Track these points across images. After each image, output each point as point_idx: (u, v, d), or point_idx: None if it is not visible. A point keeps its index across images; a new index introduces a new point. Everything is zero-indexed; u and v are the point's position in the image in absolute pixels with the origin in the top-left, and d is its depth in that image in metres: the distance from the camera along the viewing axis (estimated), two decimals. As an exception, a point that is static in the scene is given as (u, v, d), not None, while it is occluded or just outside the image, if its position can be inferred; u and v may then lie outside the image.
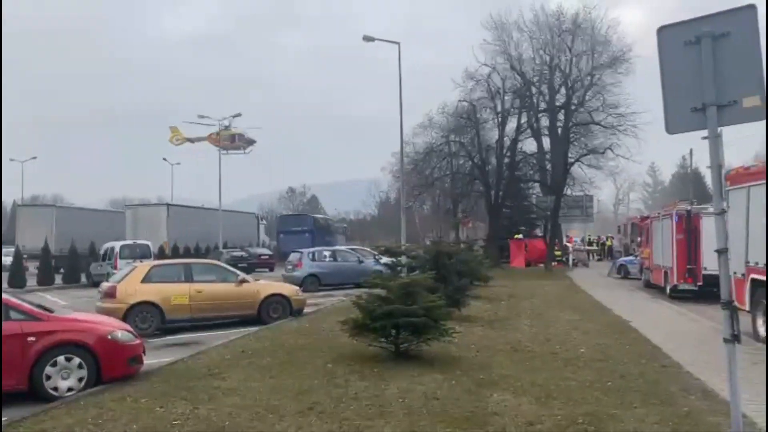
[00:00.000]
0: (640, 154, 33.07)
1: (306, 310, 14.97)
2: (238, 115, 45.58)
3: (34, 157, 56.98)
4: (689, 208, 18.22)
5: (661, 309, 15.54)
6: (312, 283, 22.29)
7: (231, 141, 53.83)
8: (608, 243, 44.69)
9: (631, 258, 28.67)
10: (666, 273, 19.02)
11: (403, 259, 10.23)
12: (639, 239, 26.67)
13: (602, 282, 25.39)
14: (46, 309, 7.85)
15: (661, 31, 4.56)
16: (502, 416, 5.98)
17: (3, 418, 6.17)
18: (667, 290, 18.64)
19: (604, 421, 5.79)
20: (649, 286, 21.78)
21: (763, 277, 10.00)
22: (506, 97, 35.95)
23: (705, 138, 4.33)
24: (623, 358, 8.78)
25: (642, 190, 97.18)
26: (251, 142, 56.24)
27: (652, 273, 21.59)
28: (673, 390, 6.96)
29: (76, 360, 7.36)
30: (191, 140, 52.19)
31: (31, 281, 27.59)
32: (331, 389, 7.04)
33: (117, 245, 27.72)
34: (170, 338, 12.41)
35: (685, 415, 5.94)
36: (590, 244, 46.58)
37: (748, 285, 10.59)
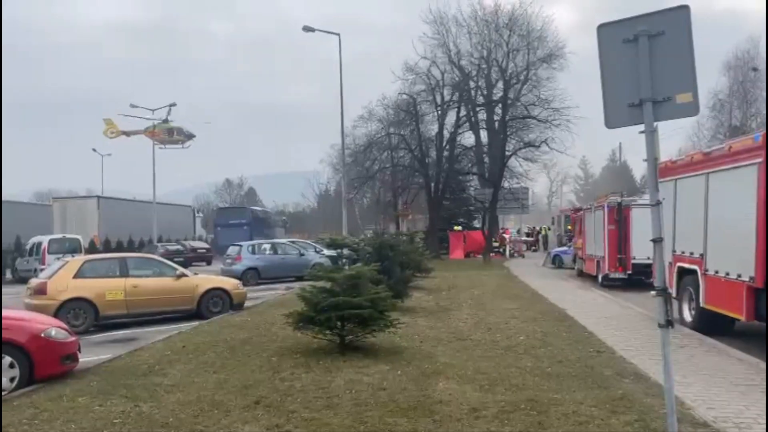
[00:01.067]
0: (572, 148, 34.35)
1: (247, 303, 14.77)
2: (173, 105, 44.27)
3: (-49, 147, 53.44)
4: (619, 199, 18.99)
5: (594, 297, 16.18)
6: (252, 276, 21.98)
7: (169, 135, 51.97)
8: (543, 233, 46.01)
9: (564, 248, 29.68)
10: (598, 262, 19.77)
11: (346, 251, 10.23)
12: (571, 229, 27.67)
13: (538, 272, 26.17)
14: (-29, 307, 7.42)
15: (601, 28, 4.73)
16: (447, 404, 6.09)
17: None
18: (599, 279, 19.39)
19: (545, 406, 5.98)
20: (582, 275, 22.58)
21: (689, 265, 10.59)
22: (445, 91, 36.45)
23: (642, 132, 4.53)
24: (561, 345, 9.10)
25: (574, 183, 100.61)
26: (190, 136, 54.45)
27: (585, 262, 22.38)
28: (608, 374, 7.28)
29: (8, 359, 7.01)
30: (127, 133, 49.87)
31: (-50, 278, 25.97)
32: (276, 383, 6.99)
33: (45, 239, 26.60)
34: (106, 335, 12.01)
35: (621, 398, 6.22)
36: (529, 235, 47.73)
37: (675, 273, 11.17)
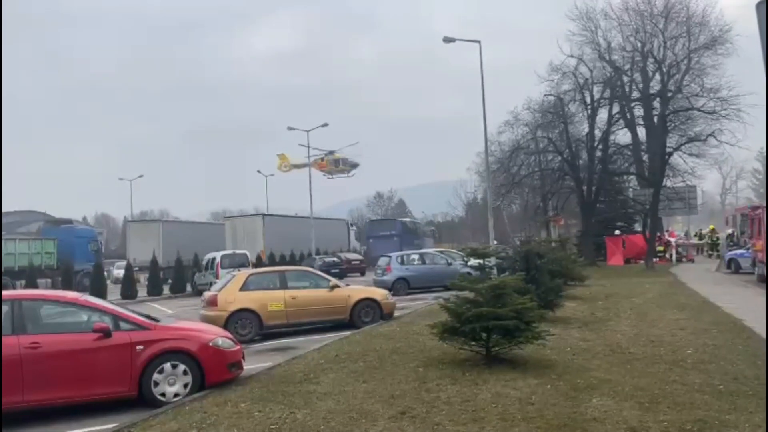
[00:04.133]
0: (747, 139, 30.59)
1: (396, 313, 15.07)
2: (326, 125, 46.57)
3: (141, 176, 61.01)
4: (807, 194, 16.72)
5: (778, 305, 14.33)
6: (401, 286, 22.43)
7: (335, 166, 55.28)
8: (712, 236, 41.11)
9: (741, 251, 26.73)
10: (783, 266, 17.57)
11: (492, 261, 10.02)
12: (732, 233, 24.79)
13: (710, 278, 23.84)
14: (152, 318, 8.33)
15: (761, 6, 4.21)
16: (602, 422, 5.72)
17: (114, 424, 6.62)
18: (785, 285, 17.20)
19: (716, 428, 5.42)
20: (763, 280, 20.19)
21: None
22: (595, 88, 34.58)
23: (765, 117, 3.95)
24: (736, 360, 8.19)
25: (751, 178, 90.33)
26: (355, 165, 57.39)
27: (766, 266, 20.01)
28: (795, 394, 6.39)
29: (181, 367, 7.72)
30: (298, 167, 53.48)
31: (142, 292, 29.50)
32: (422, 394, 7.01)
33: (218, 255, 29.09)
34: (268, 344, 12.86)
35: (810, 422, 5.43)
36: (702, 238, 42.89)
37: None
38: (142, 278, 32.46)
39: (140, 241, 37.08)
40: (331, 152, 52.96)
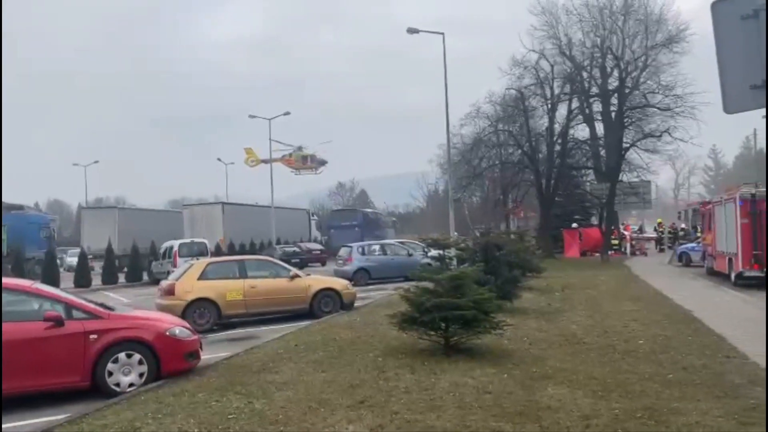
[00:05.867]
0: (699, 137, 31.58)
1: (356, 303, 15.08)
2: (288, 113, 46.08)
3: (96, 161, 59.27)
4: (754, 191, 17.38)
5: (725, 297, 14.91)
6: (362, 277, 22.44)
7: (303, 162, 54.88)
8: (664, 230, 41.99)
9: (692, 245, 27.66)
10: (730, 259, 18.26)
11: (452, 252, 10.13)
12: (684, 228, 25.64)
13: (662, 270, 24.59)
14: (106, 307, 8.13)
15: (716, 5, 4.31)
16: (556, 410, 5.85)
17: (66, 414, 6.45)
18: (732, 277, 17.90)
19: (664, 415, 5.59)
20: (712, 273, 20.97)
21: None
22: (556, 83, 35.13)
23: (765, 117, 4.09)
24: (685, 350, 8.47)
25: (703, 174, 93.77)
26: (323, 162, 57.04)
27: (715, 260, 20.75)
28: (739, 382, 6.67)
29: (137, 356, 7.58)
30: (266, 161, 53.06)
31: (97, 281, 28.74)
32: (381, 383, 7.05)
33: (176, 244, 28.54)
34: (227, 333, 12.72)
35: (753, 408, 5.66)
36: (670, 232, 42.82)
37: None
38: (97, 266, 31.63)
39: (95, 229, 36.10)
40: (300, 148, 52.65)
